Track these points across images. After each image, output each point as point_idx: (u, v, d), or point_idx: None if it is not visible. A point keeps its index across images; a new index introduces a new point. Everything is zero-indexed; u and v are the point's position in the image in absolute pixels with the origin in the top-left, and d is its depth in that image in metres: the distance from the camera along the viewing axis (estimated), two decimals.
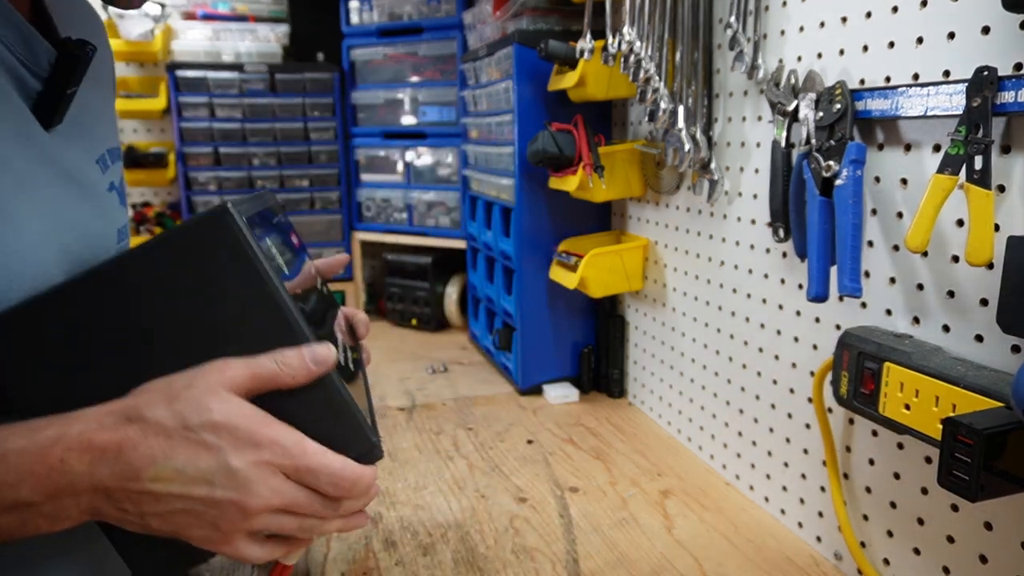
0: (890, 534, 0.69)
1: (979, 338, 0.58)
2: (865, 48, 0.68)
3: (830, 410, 0.75)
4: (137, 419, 0.44)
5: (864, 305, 0.70)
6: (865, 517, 0.72)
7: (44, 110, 0.50)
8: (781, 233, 0.78)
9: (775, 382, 0.84)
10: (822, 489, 0.78)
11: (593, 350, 1.27)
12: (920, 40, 0.61)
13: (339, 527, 0.50)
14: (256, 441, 0.44)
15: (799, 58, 0.76)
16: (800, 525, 0.82)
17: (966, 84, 0.54)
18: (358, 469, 0.47)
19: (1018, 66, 0.53)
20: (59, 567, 0.52)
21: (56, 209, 0.51)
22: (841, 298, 0.72)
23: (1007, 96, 0.52)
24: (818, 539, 0.79)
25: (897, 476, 0.67)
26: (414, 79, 1.78)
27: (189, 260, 0.47)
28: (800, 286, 0.79)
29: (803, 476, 0.81)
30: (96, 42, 0.55)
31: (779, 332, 0.83)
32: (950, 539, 0.62)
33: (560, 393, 1.24)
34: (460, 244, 1.66)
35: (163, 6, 1.79)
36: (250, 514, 0.44)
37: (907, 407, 0.59)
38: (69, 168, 0.53)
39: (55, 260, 0.49)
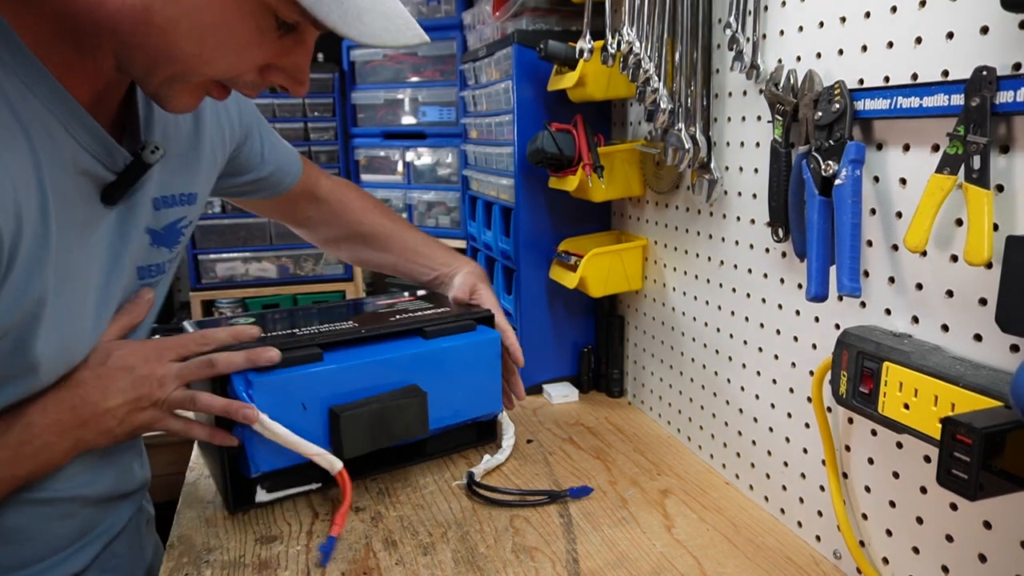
0: (889, 533, 0.69)
1: (978, 337, 0.58)
2: (864, 48, 0.68)
3: (829, 409, 0.75)
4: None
5: (863, 305, 0.70)
6: (864, 516, 0.72)
7: (110, 196, 0.66)
8: (780, 233, 0.78)
9: (775, 381, 0.84)
10: (821, 488, 0.78)
11: (593, 350, 1.27)
12: (919, 40, 0.62)
13: (244, 357, 0.78)
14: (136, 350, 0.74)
15: (798, 58, 0.76)
16: (800, 524, 0.82)
17: (965, 84, 0.55)
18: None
19: (1017, 66, 0.53)
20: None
21: (98, 285, 0.68)
22: (840, 298, 0.72)
23: (1006, 96, 0.53)
24: (817, 538, 0.79)
25: (896, 475, 0.67)
26: (414, 79, 1.78)
27: None
28: (800, 286, 0.79)
29: (802, 475, 0.81)
30: (199, 121, 0.78)
31: (778, 332, 0.83)
32: (949, 538, 0.62)
33: (560, 393, 1.24)
34: (460, 244, 1.66)
35: None
36: (144, 363, 0.73)
37: (906, 406, 0.59)
38: (120, 231, 0.69)
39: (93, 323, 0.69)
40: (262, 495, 0.86)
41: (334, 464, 0.81)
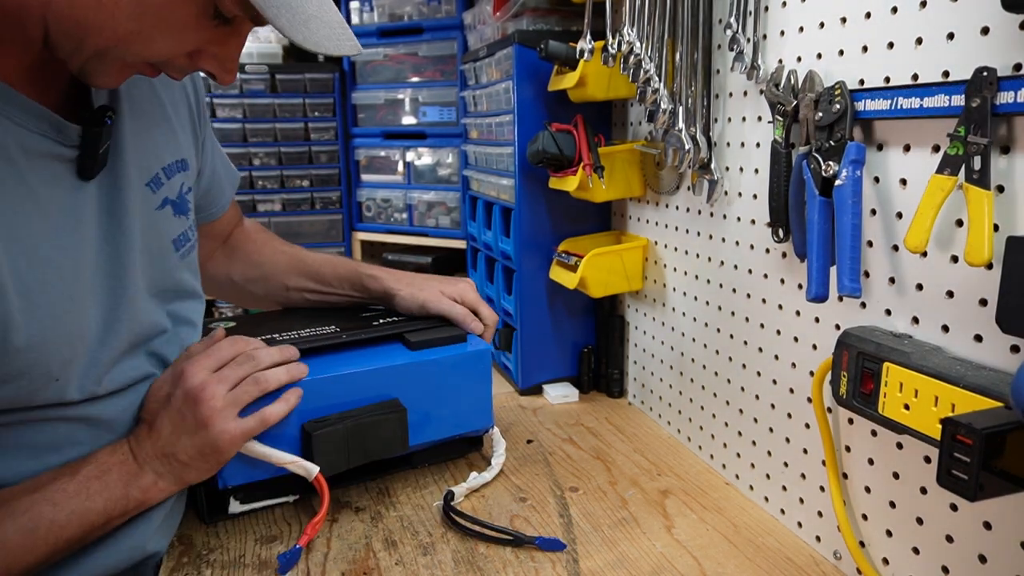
0: (889, 533, 0.69)
1: (978, 338, 0.58)
2: (865, 48, 0.68)
3: (829, 410, 0.75)
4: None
5: (863, 305, 0.70)
6: (864, 517, 0.72)
7: (83, 168, 0.64)
8: (781, 233, 0.78)
9: (775, 382, 0.84)
10: (821, 489, 0.78)
11: (593, 350, 1.27)
12: (919, 41, 0.62)
13: (282, 374, 0.77)
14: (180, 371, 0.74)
15: (799, 58, 0.76)
16: (800, 525, 0.82)
17: (965, 84, 0.55)
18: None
19: (1017, 66, 0.53)
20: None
21: (93, 263, 0.66)
22: (840, 298, 0.72)
23: (1006, 96, 0.53)
24: (817, 538, 0.79)
25: (896, 476, 0.67)
26: (414, 79, 1.78)
27: None
28: (800, 286, 0.79)
29: (803, 476, 0.81)
30: (153, 87, 0.75)
31: (779, 332, 0.83)
32: (949, 538, 0.62)
33: (560, 393, 1.24)
34: (460, 244, 1.66)
35: None
36: (202, 392, 0.72)
37: (906, 407, 0.59)
38: (110, 206, 0.68)
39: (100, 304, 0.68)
40: (235, 506, 0.84)
41: (310, 470, 0.78)
